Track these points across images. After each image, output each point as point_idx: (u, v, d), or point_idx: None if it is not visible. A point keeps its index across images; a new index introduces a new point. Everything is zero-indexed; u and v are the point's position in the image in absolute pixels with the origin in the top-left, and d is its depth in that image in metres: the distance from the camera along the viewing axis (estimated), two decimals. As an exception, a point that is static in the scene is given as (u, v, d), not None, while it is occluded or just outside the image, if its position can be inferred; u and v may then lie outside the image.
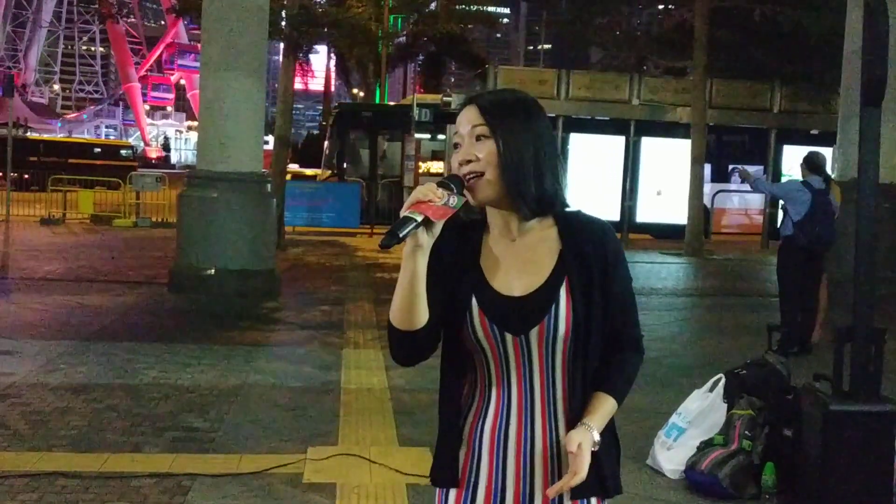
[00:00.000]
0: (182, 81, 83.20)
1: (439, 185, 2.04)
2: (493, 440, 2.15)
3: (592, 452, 2.05)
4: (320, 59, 46.45)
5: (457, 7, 33.96)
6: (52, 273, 13.61)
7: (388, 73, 35.03)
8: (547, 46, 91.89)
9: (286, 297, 11.96)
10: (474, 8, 35.46)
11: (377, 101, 33.68)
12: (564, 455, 2.07)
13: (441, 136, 23.64)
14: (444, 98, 22.80)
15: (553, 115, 21.31)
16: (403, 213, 2.00)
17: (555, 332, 2.09)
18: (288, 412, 6.70)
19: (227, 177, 11.76)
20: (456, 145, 2.15)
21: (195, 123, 69.68)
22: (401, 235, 1.96)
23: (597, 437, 2.06)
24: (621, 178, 22.69)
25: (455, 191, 2.06)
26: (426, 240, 2.02)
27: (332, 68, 43.75)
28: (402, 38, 34.04)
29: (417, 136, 22.97)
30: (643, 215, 23.17)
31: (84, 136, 70.46)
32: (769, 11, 20.39)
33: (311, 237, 20.28)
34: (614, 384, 2.15)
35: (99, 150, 40.31)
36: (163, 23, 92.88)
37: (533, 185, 2.10)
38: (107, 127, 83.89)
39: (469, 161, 2.11)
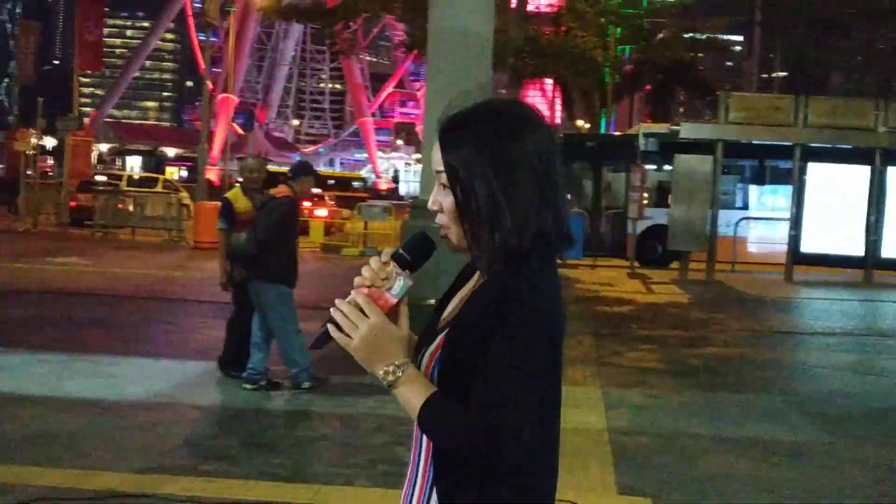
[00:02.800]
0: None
1: (393, 256, 1.78)
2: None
3: None
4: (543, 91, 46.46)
5: (685, 35, 33.06)
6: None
7: (614, 102, 34.54)
8: (782, 74, 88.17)
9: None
10: (705, 36, 34.38)
11: (602, 131, 33.25)
12: None
13: (668, 167, 22.94)
14: (673, 127, 22.11)
15: (789, 143, 20.21)
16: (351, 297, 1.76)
17: None
18: (501, 450, 6.44)
19: (446, 206, 11.72)
20: None
21: (423, 156, 71.02)
22: (326, 337, 1.77)
23: (388, 374, 1.74)
24: (865, 212, 21.16)
25: (410, 262, 1.77)
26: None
27: (551, 99, 43.64)
28: (628, 67, 33.47)
29: (644, 166, 22.39)
30: (890, 251, 21.48)
31: (320, 168, 73.94)
32: None
33: (533, 269, 20.03)
34: (439, 400, 1.73)
35: (333, 181, 41.94)
36: (387, 61, 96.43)
37: (487, 233, 1.74)
38: (340, 160, 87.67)
39: (436, 211, 1.83)
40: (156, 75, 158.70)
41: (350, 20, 19.13)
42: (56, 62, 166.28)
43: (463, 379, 1.73)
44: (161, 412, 7.15)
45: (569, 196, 23.71)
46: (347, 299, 1.75)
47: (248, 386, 7.77)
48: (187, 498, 5.23)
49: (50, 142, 47.69)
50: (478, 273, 1.87)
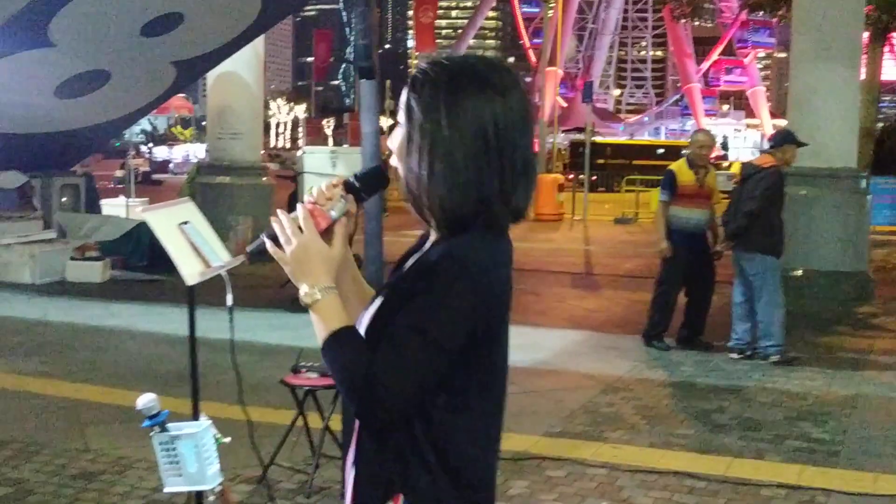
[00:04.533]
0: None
1: (345, 183, 1.77)
2: None
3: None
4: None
5: None
6: (633, 271, 14.01)
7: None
8: None
9: (881, 302, 11.02)
10: None
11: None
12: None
13: None
14: None
15: None
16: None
17: None
18: (918, 431, 6.04)
19: (818, 173, 11.17)
20: None
21: (754, 122, 67.52)
22: (263, 249, 1.76)
23: (303, 294, 1.71)
24: None
25: (357, 189, 1.77)
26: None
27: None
28: None
29: None
30: None
31: (645, 138, 72.95)
32: None
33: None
34: (347, 336, 1.70)
35: (662, 150, 41.33)
36: (710, 24, 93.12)
37: (428, 197, 1.70)
38: (668, 129, 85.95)
39: (391, 152, 1.78)
40: (479, 52, 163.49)
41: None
42: (387, 45, 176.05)
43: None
44: (550, 379, 7.36)
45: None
46: (292, 214, 1.74)
47: (734, 355, 7.96)
48: (601, 464, 5.34)
49: (385, 122, 50.54)
50: (432, 238, 1.79)
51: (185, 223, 3.31)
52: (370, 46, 4.28)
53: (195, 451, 3.13)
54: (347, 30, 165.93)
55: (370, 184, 1.79)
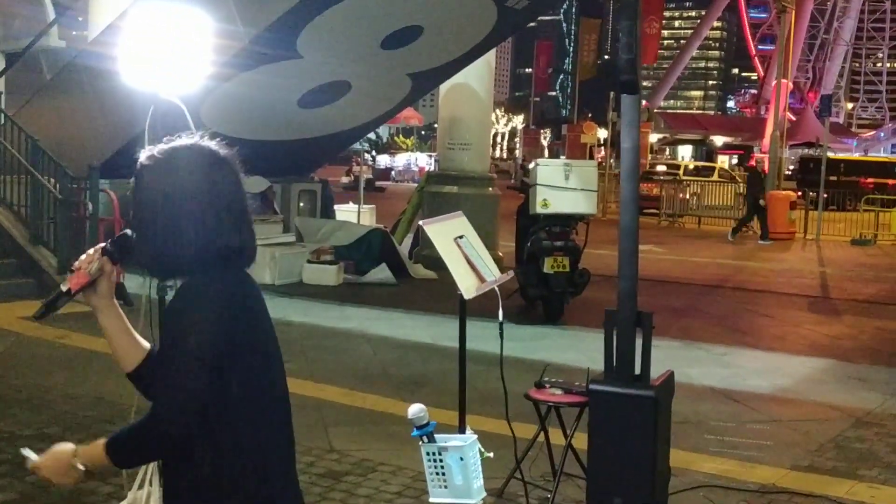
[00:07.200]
0: None
1: (102, 249, 2.17)
2: None
3: None
4: None
5: None
6: (876, 296, 13.19)
7: None
8: None
9: None
10: None
11: None
12: None
13: None
14: None
15: None
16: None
17: None
18: None
19: None
20: None
21: None
22: (50, 306, 2.16)
23: (79, 466, 2.09)
24: None
25: (111, 253, 2.16)
26: (96, 301, 2.18)
27: None
28: None
29: None
30: None
31: (880, 154, 68.75)
32: None
33: None
34: (114, 433, 2.09)
35: (902, 169, 38.87)
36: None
37: (149, 255, 2.13)
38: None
39: None
40: (701, 64, 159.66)
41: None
42: (606, 56, 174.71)
43: None
44: (793, 408, 7.01)
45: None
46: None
47: None
48: (857, 503, 5.02)
49: (602, 133, 49.97)
50: None
51: (461, 237, 3.33)
52: (635, 60, 4.19)
53: (461, 463, 3.14)
54: (566, 41, 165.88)
55: (120, 249, 2.17)
